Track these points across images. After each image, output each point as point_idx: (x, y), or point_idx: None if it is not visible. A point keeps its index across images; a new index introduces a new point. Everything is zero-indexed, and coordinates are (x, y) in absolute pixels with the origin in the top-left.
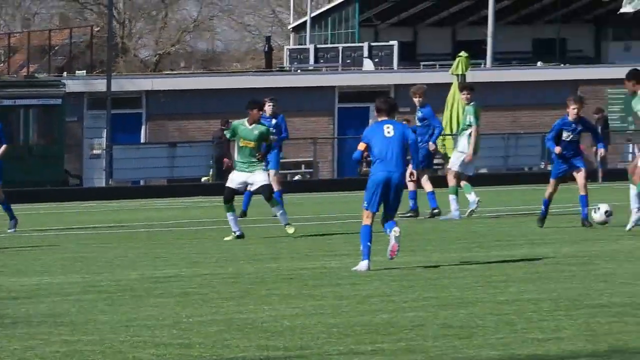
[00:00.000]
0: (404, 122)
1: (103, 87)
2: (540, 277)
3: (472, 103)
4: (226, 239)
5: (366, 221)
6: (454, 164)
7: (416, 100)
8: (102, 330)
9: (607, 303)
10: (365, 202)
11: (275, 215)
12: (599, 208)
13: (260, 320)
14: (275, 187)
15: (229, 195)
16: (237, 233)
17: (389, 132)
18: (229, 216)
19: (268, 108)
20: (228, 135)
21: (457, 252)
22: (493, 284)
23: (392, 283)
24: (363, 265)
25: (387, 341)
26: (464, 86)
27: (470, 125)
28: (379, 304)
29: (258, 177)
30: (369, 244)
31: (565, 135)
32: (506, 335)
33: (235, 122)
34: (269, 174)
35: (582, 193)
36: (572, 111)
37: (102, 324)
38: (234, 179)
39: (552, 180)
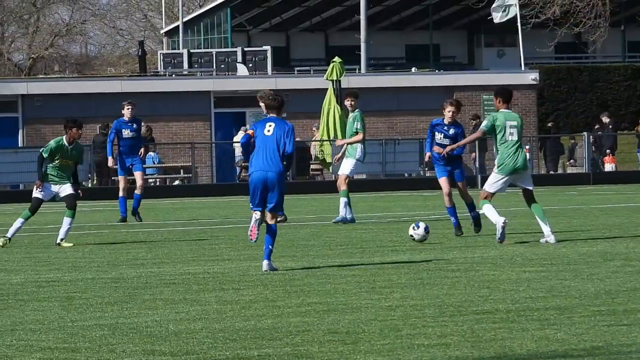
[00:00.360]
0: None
1: None
2: (424, 282)
3: (357, 110)
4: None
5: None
6: (346, 170)
7: (263, 105)
8: None
9: (491, 309)
10: (250, 204)
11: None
12: (418, 226)
13: (145, 325)
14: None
15: (37, 205)
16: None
17: (268, 131)
18: (19, 223)
19: (127, 112)
20: (45, 155)
21: (340, 258)
22: (377, 289)
23: (276, 289)
24: (264, 265)
25: (272, 346)
26: (349, 93)
27: (357, 132)
28: (263, 309)
29: (67, 188)
30: (270, 247)
31: (438, 137)
32: (392, 341)
33: (54, 143)
34: None
35: (451, 205)
36: (447, 113)
37: None
38: (44, 193)
39: (442, 179)
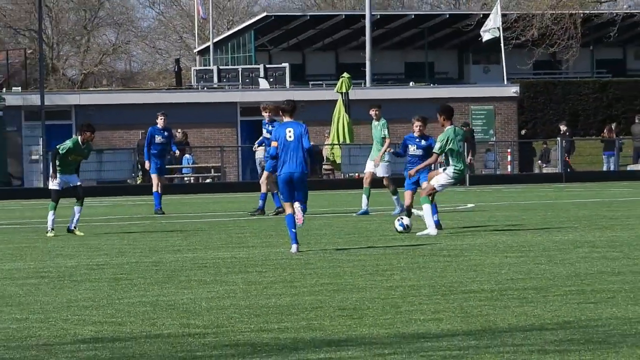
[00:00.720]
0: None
1: (37, 102)
2: (420, 266)
3: (381, 118)
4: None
5: (288, 210)
6: (382, 172)
7: (265, 115)
8: (47, 309)
9: (477, 289)
10: (282, 196)
11: None
12: (402, 218)
13: (181, 302)
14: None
15: (58, 195)
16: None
17: (290, 137)
18: (52, 215)
19: (160, 121)
20: (63, 152)
21: (348, 245)
22: (380, 272)
23: (293, 271)
24: (294, 248)
25: (290, 320)
26: (373, 104)
27: (384, 138)
28: (282, 289)
29: (75, 179)
30: (293, 230)
31: (411, 148)
32: (392, 316)
33: (70, 143)
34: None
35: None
36: (415, 128)
37: (46, 304)
38: (59, 183)
39: (407, 193)
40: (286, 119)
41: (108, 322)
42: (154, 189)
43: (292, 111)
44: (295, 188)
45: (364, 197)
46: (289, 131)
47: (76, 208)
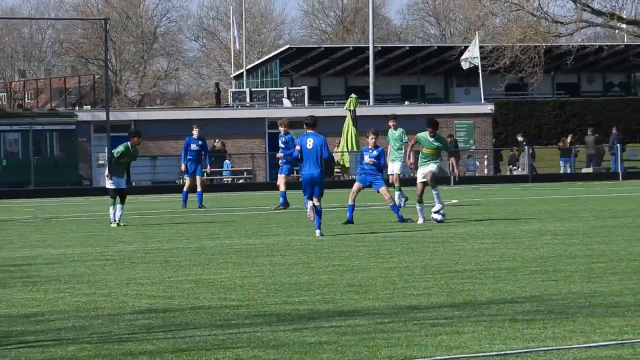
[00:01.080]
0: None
1: (103, 117)
2: (414, 251)
3: (399, 128)
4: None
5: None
6: (398, 170)
7: (281, 129)
8: (110, 286)
9: (460, 269)
10: (304, 195)
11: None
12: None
13: (219, 280)
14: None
15: (114, 192)
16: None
17: (310, 145)
18: (112, 209)
19: (195, 132)
20: (117, 156)
21: (355, 234)
22: (381, 255)
23: (310, 255)
24: (317, 233)
25: (308, 295)
26: (391, 116)
27: (405, 143)
28: (301, 269)
29: (123, 183)
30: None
31: (366, 159)
32: (391, 291)
33: (123, 147)
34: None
35: (391, 203)
36: (370, 140)
37: (109, 282)
38: (113, 183)
39: (357, 184)
40: (308, 131)
41: (160, 297)
42: (185, 188)
43: (313, 125)
44: (315, 186)
45: (397, 193)
46: (310, 141)
47: (118, 206)
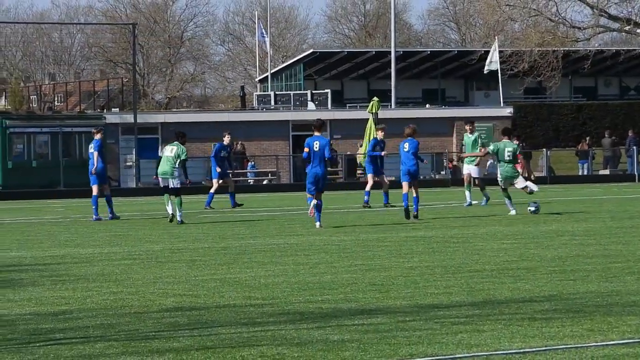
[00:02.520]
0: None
1: (131, 120)
2: (434, 250)
3: (475, 132)
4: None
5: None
6: (475, 173)
7: (380, 134)
8: (137, 284)
9: (480, 269)
10: (307, 190)
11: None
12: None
13: (244, 279)
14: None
15: (165, 192)
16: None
17: (316, 148)
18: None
19: (226, 139)
20: (185, 157)
21: (377, 234)
22: (402, 255)
23: (333, 254)
24: (317, 225)
25: (331, 294)
26: (468, 121)
27: (481, 146)
28: (325, 268)
29: (173, 182)
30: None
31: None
32: (412, 290)
33: (185, 149)
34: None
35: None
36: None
37: (137, 280)
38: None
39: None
40: (315, 133)
41: (186, 295)
42: (212, 190)
43: (320, 127)
44: (319, 182)
45: (467, 192)
46: (316, 143)
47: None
